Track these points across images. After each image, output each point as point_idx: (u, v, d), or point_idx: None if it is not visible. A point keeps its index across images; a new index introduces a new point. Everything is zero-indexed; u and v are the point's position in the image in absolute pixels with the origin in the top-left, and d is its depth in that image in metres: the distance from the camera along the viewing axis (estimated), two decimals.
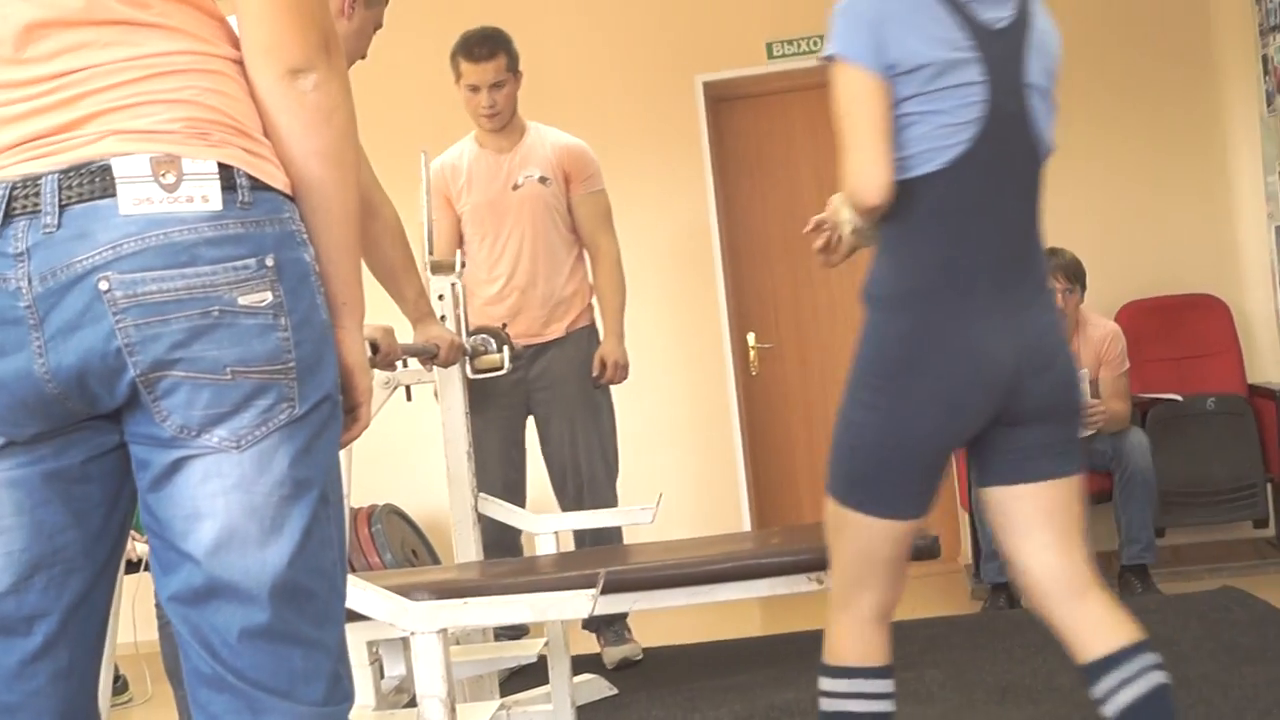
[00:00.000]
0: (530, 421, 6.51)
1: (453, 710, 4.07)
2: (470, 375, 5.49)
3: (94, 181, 2.00)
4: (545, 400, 6.40)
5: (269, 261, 2.07)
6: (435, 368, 5.15)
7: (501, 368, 5.41)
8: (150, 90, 2.06)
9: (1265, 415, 7.38)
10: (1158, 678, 3.37)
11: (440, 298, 5.35)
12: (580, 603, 3.96)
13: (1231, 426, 7.39)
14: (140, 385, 2.04)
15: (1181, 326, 7.90)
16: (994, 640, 6.04)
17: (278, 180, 2.14)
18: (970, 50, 3.18)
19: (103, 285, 1.98)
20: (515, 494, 6.30)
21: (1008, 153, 3.27)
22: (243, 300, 2.04)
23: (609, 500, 6.26)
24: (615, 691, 5.76)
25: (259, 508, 2.09)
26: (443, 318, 5.29)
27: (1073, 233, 7.44)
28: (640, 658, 6.40)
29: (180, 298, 2.01)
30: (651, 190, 8.10)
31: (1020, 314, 3.29)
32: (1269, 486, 7.39)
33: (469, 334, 5.37)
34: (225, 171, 2.05)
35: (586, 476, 6.33)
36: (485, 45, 6.19)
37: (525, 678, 5.90)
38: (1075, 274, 6.99)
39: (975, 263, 3.26)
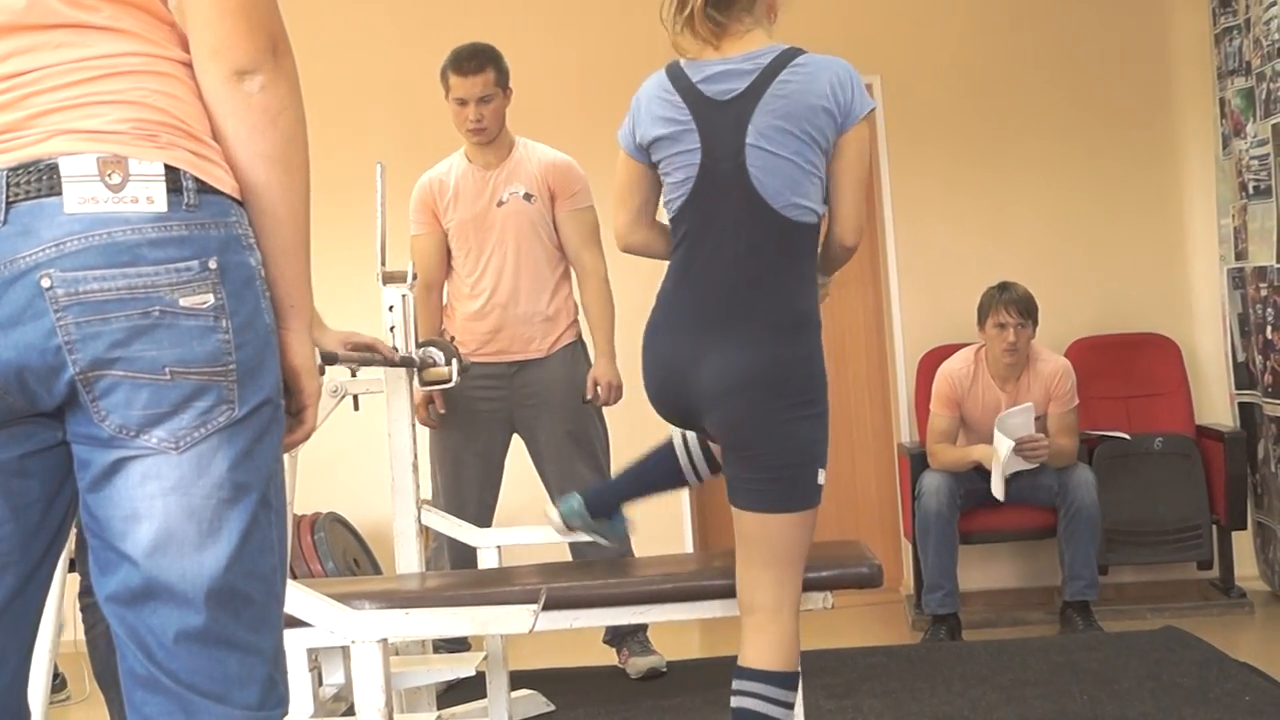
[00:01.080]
0: (515, 440, 6.46)
1: None
2: (419, 387, 5.46)
3: (41, 180, 2.01)
4: (530, 417, 6.35)
5: (212, 264, 2.07)
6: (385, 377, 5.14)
7: (449, 380, 5.37)
8: (99, 91, 2.07)
9: (1212, 457, 7.41)
10: (745, 702, 3.85)
11: (390, 308, 5.33)
12: (521, 618, 3.95)
13: (1178, 467, 7.41)
14: (79, 384, 2.04)
15: (1131, 365, 7.92)
16: (934, 671, 6.03)
17: (225, 184, 2.14)
18: (689, 122, 3.85)
19: (45, 282, 1.99)
20: (487, 515, 6.27)
21: (720, 207, 3.83)
22: (184, 302, 2.05)
23: None
24: (552, 708, 5.74)
25: (197, 510, 2.08)
26: (392, 328, 5.27)
27: (1025, 268, 7.48)
28: (665, 670, 6.39)
29: (121, 297, 2.01)
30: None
31: (717, 347, 3.84)
32: (1214, 528, 7.41)
33: (417, 345, 5.34)
34: (172, 174, 2.06)
35: (579, 488, 6.29)
36: (474, 60, 6.15)
37: (463, 691, 5.88)
38: (1027, 309, 7.02)
39: (686, 297, 3.97)
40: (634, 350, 6.35)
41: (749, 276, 3.82)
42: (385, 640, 4.06)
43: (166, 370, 2.04)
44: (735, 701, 3.87)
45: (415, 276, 5.47)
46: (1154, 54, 8.20)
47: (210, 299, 2.07)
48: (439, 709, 5.41)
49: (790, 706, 3.88)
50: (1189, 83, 8.02)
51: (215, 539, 2.10)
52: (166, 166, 2.06)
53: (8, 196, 2.00)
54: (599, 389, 6.28)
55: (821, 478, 3.86)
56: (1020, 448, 6.84)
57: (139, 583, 2.09)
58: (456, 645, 6.03)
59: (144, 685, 2.14)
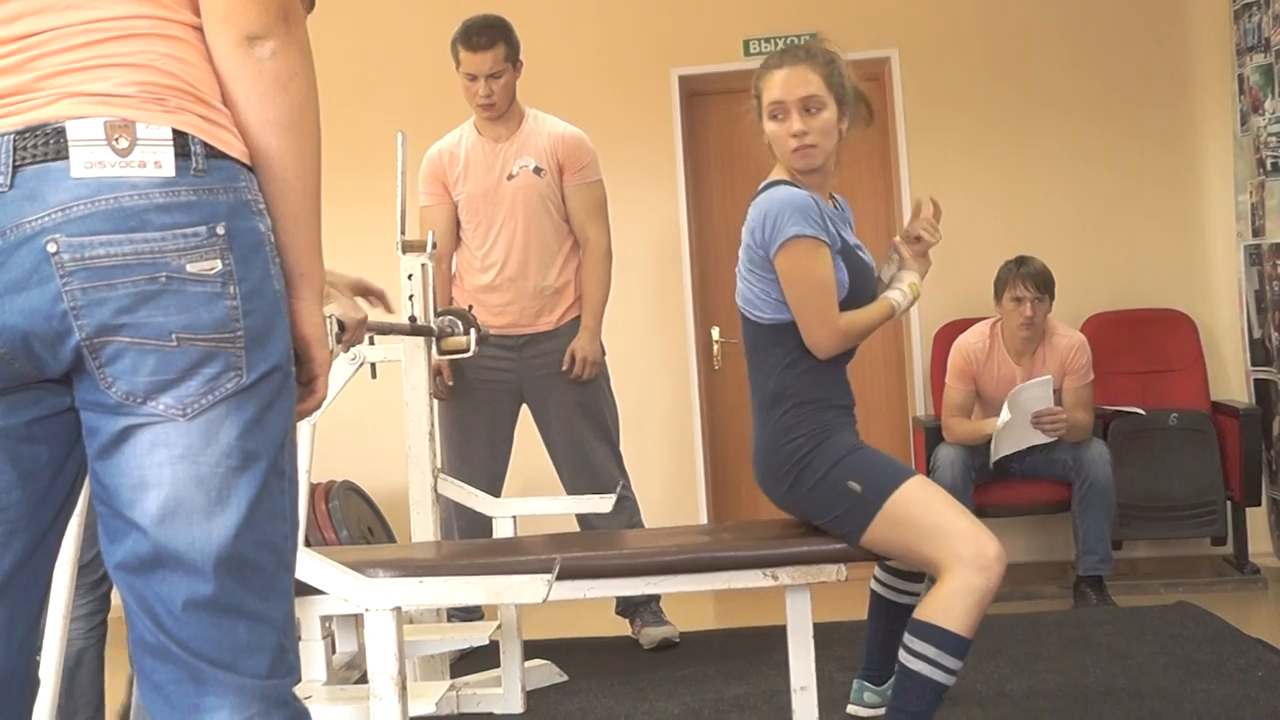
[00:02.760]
0: (524, 411, 6.48)
1: (403, 689, 4.06)
2: (436, 356, 5.47)
3: (48, 143, 2.00)
4: (539, 390, 6.36)
5: (220, 230, 2.06)
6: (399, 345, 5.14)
7: (467, 350, 5.37)
8: (108, 54, 2.06)
9: (1227, 433, 7.39)
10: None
11: (410, 276, 5.33)
12: (535, 587, 3.95)
13: (1193, 443, 7.39)
14: (85, 350, 2.03)
15: (1147, 340, 7.90)
16: None
17: (234, 149, 2.13)
18: None
19: (51, 247, 1.98)
20: (498, 484, 6.28)
21: None
22: (191, 267, 2.04)
23: (614, 480, 6.18)
24: (565, 678, 5.75)
25: (205, 478, 2.08)
26: (410, 297, 5.27)
27: (1042, 242, 7.46)
28: (679, 640, 6.40)
29: (128, 263, 2.00)
30: (623, 181, 8.06)
31: None
32: (1228, 504, 7.40)
33: (436, 315, 5.34)
34: (180, 138, 2.05)
35: (589, 459, 6.30)
36: (484, 34, 6.12)
37: (476, 660, 5.89)
38: (1044, 283, 7.00)
39: None
40: (605, 322, 6.43)
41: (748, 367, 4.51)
42: (399, 608, 4.07)
43: (173, 336, 2.04)
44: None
45: (435, 245, 5.46)
46: (1173, 29, 8.18)
47: (218, 265, 2.06)
48: (452, 678, 5.43)
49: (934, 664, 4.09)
50: (1208, 58, 7.99)
51: (224, 507, 2.10)
52: (174, 131, 2.05)
53: (14, 160, 1.99)
54: (575, 361, 6.28)
55: (856, 487, 4.21)
56: (1038, 421, 6.84)
57: (147, 551, 2.09)
58: (470, 614, 6.03)
59: (153, 653, 2.14)
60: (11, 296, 2.01)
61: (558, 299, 6.37)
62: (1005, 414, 6.82)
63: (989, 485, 7.09)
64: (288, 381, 2.20)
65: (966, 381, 7.14)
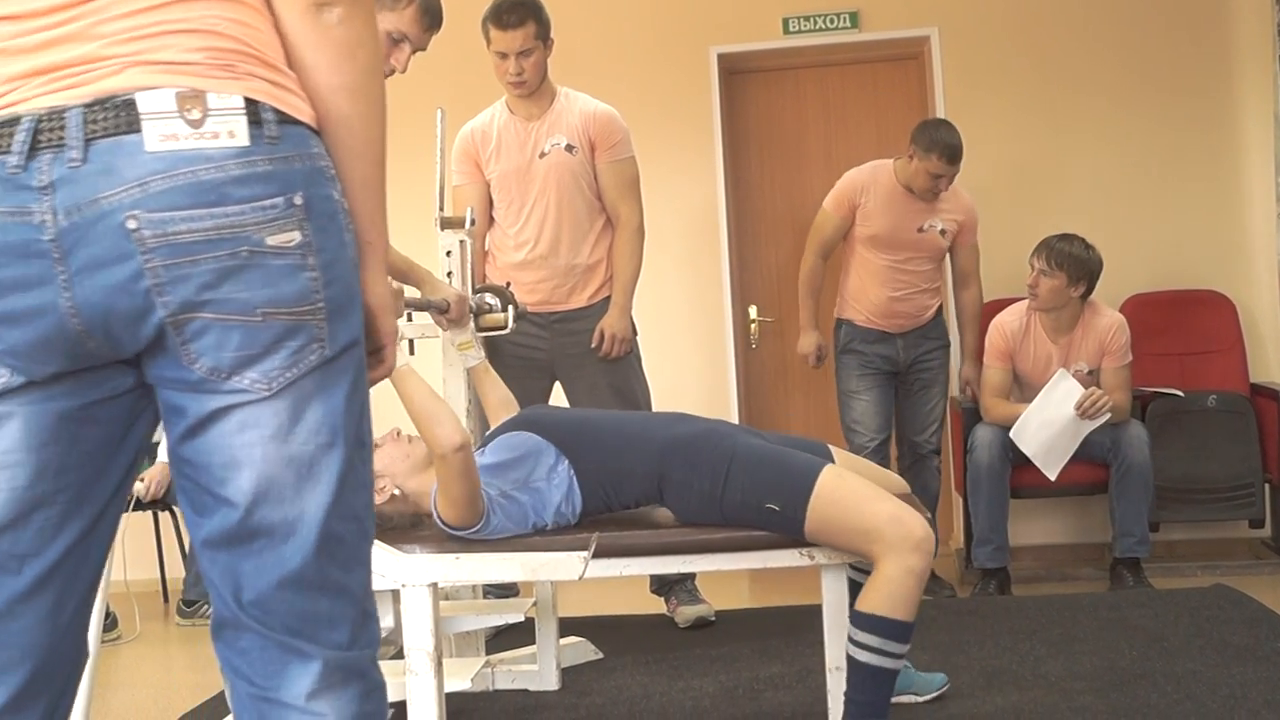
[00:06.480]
0: (556, 389, 6.49)
1: (439, 664, 4.07)
2: (475, 333, 5.47)
3: (118, 115, 1.97)
4: (571, 368, 6.37)
5: (297, 200, 2.05)
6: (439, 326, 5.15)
7: (505, 327, 5.37)
8: (170, 19, 2.03)
9: (1266, 415, 7.37)
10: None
11: (448, 254, 5.33)
12: (571, 564, 3.96)
13: (1232, 425, 7.37)
14: (169, 327, 2.01)
15: (1186, 322, 7.88)
16: (982, 625, 6.04)
17: (304, 113, 2.12)
18: None
19: (130, 224, 1.96)
20: None
21: None
22: (271, 240, 2.02)
23: None
24: (600, 656, 5.75)
25: (296, 457, 2.08)
26: (449, 274, 5.27)
27: (1081, 223, 7.41)
28: (714, 619, 6.41)
29: (210, 238, 1.99)
30: (662, 159, 8.07)
31: None
32: (1267, 487, 7.38)
33: (474, 292, 5.34)
34: (251, 105, 2.03)
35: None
36: (515, 12, 6.09)
37: (511, 636, 5.90)
38: (1061, 261, 6.86)
39: None
40: (641, 300, 6.42)
41: None
42: (435, 584, 4.07)
43: (258, 312, 2.03)
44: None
45: (473, 222, 5.46)
46: (1213, 10, 8.14)
47: (297, 236, 2.05)
48: (488, 654, 5.44)
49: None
50: (1249, 41, 7.94)
51: (314, 483, 2.10)
52: (246, 99, 2.03)
53: (85, 133, 1.96)
54: (604, 338, 6.28)
55: (775, 507, 4.17)
56: (1081, 410, 6.80)
57: (237, 526, 2.09)
58: (506, 591, 6.04)
59: (234, 625, 2.15)
60: (91, 274, 1.98)
61: (590, 276, 6.37)
62: (1031, 434, 6.86)
63: (1026, 466, 7.06)
64: (362, 351, 2.21)
65: (1004, 360, 7.12)
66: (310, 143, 2.11)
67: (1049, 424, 6.86)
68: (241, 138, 2.01)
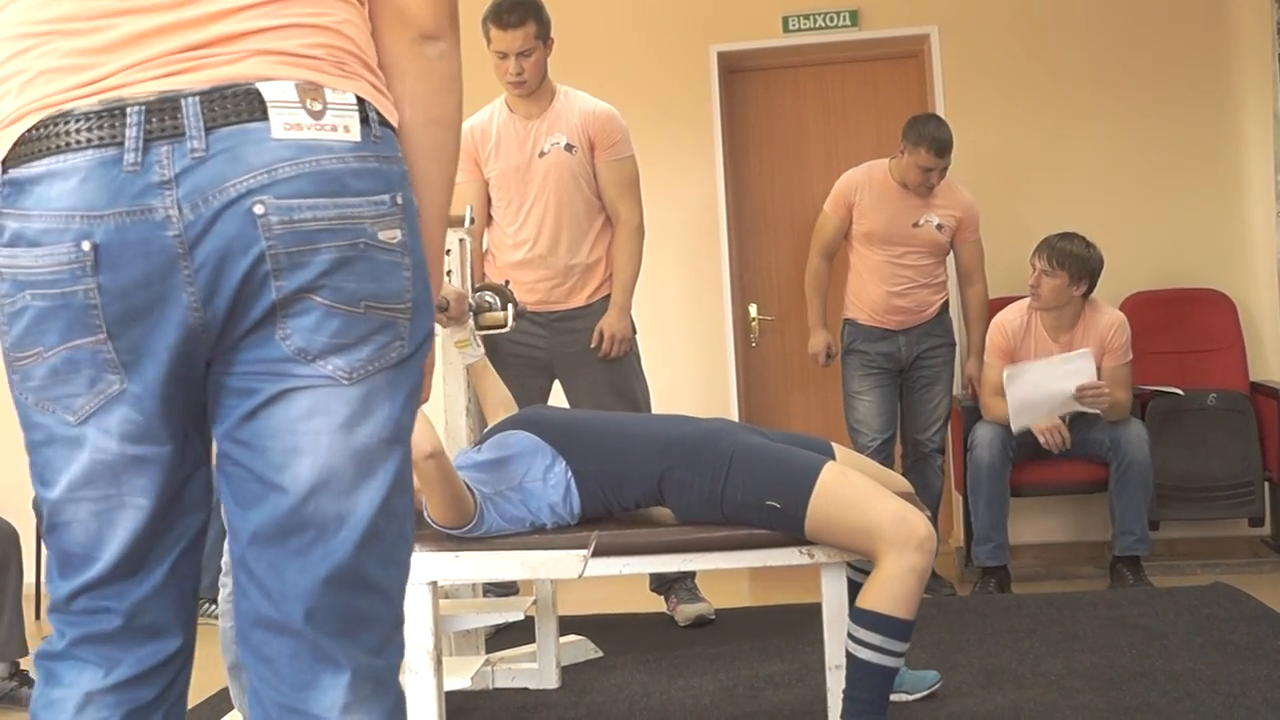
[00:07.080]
0: (556, 388, 6.49)
1: (439, 663, 4.07)
2: (474, 331, 5.47)
3: (239, 103, 1.97)
4: (570, 367, 6.37)
5: (399, 199, 2.09)
6: (439, 324, 5.14)
7: (505, 325, 5.36)
8: (292, 12, 2.05)
9: (1266, 414, 7.37)
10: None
11: (448, 252, 5.32)
12: (571, 563, 3.96)
13: (1231, 423, 7.37)
14: (276, 306, 2.01)
15: (1186, 320, 7.88)
16: (982, 623, 6.04)
17: (395, 119, 2.16)
18: None
19: (258, 209, 1.96)
20: None
21: None
22: (381, 235, 2.06)
23: None
24: (600, 654, 5.76)
25: (359, 450, 2.07)
26: (449, 272, 5.27)
27: (1080, 221, 7.41)
28: (714, 617, 6.42)
29: (333, 227, 2.00)
30: (661, 158, 8.07)
31: None
32: (1266, 485, 7.38)
33: (474, 290, 5.34)
34: (360, 104, 2.06)
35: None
36: (515, 12, 6.09)
37: (511, 635, 5.91)
38: (1062, 260, 6.85)
39: None
40: (641, 298, 6.41)
41: None
42: (435, 583, 4.08)
43: (362, 304, 2.04)
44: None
45: (473, 220, 5.46)
46: (1213, 7, 8.14)
47: (399, 234, 2.07)
48: (487, 652, 5.44)
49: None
50: (1248, 37, 7.94)
51: (371, 479, 2.09)
52: (357, 96, 2.06)
53: (206, 121, 1.96)
54: (603, 338, 6.27)
55: (776, 505, 4.16)
56: (1081, 394, 6.81)
57: (287, 517, 2.06)
58: (505, 589, 6.04)
59: (266, 626, 2.11)
60: (215, 264, 1.97)
61: (589, 276, 6.37)
62: (1022, 384, 6.86)
63: (1027, 464, 7.08)
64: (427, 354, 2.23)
65: (1005, 358, 7.11)
66: (398, 147, 2.15)
67: (1042, 385, 6.87)
68: (355, 133, 2.04)
